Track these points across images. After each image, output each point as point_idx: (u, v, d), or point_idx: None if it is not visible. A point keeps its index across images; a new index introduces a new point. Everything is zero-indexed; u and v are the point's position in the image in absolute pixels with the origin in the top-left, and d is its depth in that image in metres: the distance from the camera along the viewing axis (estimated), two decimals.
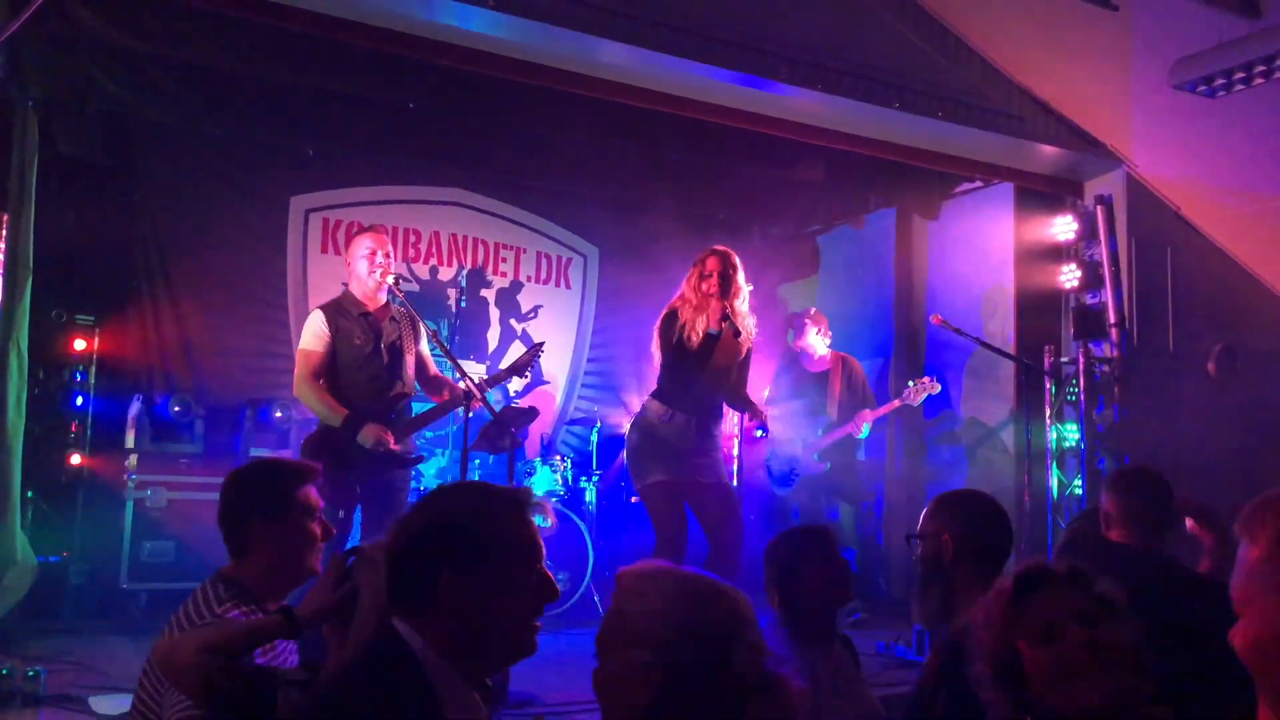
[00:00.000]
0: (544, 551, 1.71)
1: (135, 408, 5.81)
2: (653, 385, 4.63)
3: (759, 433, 4.55)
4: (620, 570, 1.64)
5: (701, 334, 4.34)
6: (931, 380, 6.30)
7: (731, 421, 4.71)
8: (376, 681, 1.54)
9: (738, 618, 1.55)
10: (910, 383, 6.35)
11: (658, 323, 4.55)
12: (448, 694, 1.55)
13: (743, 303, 4.48)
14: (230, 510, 2.34)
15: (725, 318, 4.31)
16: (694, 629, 1.51)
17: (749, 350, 4.61)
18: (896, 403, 6.35)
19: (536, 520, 1.73)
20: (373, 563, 1.92)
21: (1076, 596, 1.67)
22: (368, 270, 4.48)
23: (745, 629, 1.54)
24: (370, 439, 4.24)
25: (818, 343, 6.50)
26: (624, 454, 4.98)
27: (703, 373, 4.39)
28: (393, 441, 4.29)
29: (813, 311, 6.65)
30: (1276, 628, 1.13)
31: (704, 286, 4.39)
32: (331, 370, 4.41)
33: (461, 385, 4.42)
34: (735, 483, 4.89)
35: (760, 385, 6.46)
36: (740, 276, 4.46)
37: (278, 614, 2.03)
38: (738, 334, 4.38)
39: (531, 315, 7.74)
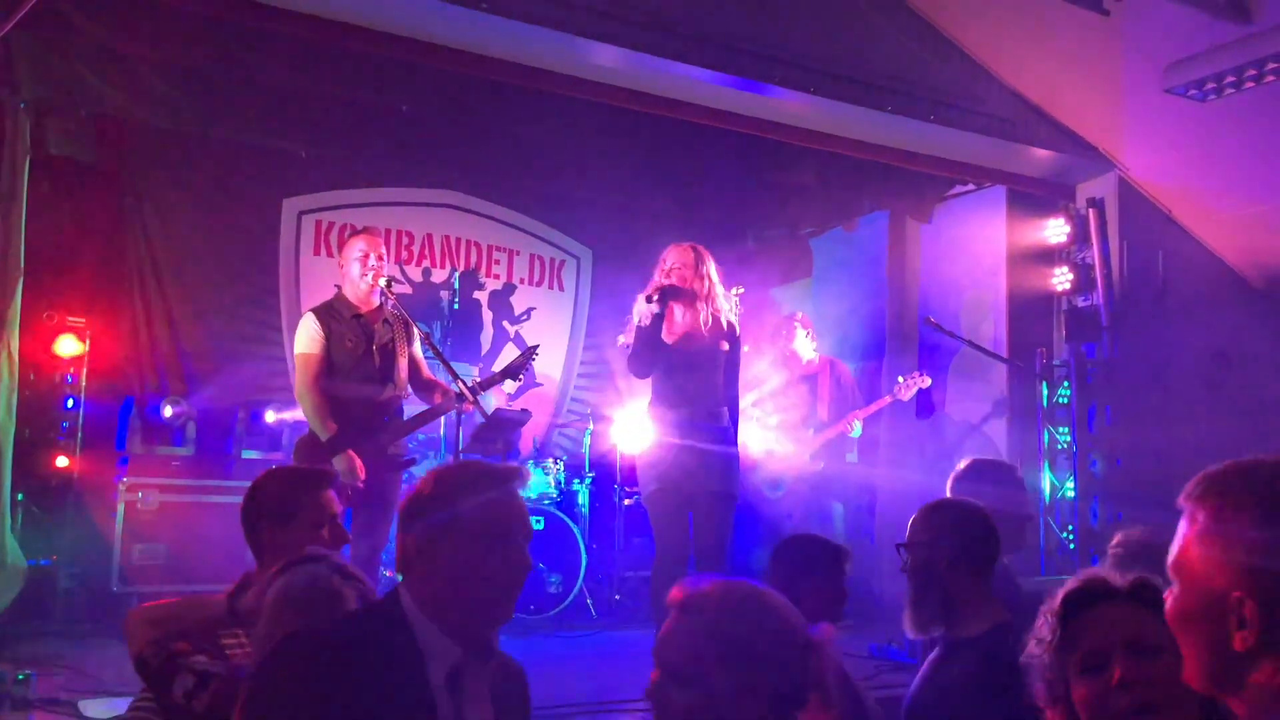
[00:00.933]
0: (522, 527, 1.79)
1: (127, 410, 5.79)
2: (648, 388, 4.62)
3: None
4: (694, 592, 1.58)
5: (649, 308, 4.35)
6: (922, 375, 6.30)
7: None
8: (360, 629, 1.73)
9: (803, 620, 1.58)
10: (900, 378, 6.36)
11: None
12: (431, 646, 1.69)
13: (707, 297, 4.43)
14: (244, 516, 2.47)
15: (661, 290, 4.34)
16: (794, 639, 1.53)
17: (731, 347, 4.52)
18: (888, 398, 6.35)
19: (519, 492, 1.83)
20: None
21: (1131, 619, 1.49)
22: (360, 273, 4.48)
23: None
24: (343, 467, 4.20)
25: (805, 346, 6.51)
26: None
27: (665, 343, 4.36)
28: (362, 479, 4.25)
29: (799, 315, 6.66)
30: (1203, 597, 1.20)
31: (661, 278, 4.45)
32: (324, 372, 4.39)
33: (455, 388, 4.41)
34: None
35: (749, 388, 6.46)
36: (704, 268, 4.44)
37: (227, 599, 2.18)
38: (674, 294, 4.35)
39: (525, 317, 7.73)
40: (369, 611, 1.82)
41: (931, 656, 2.64)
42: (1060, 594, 1.57)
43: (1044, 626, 1.57)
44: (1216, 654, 1.19)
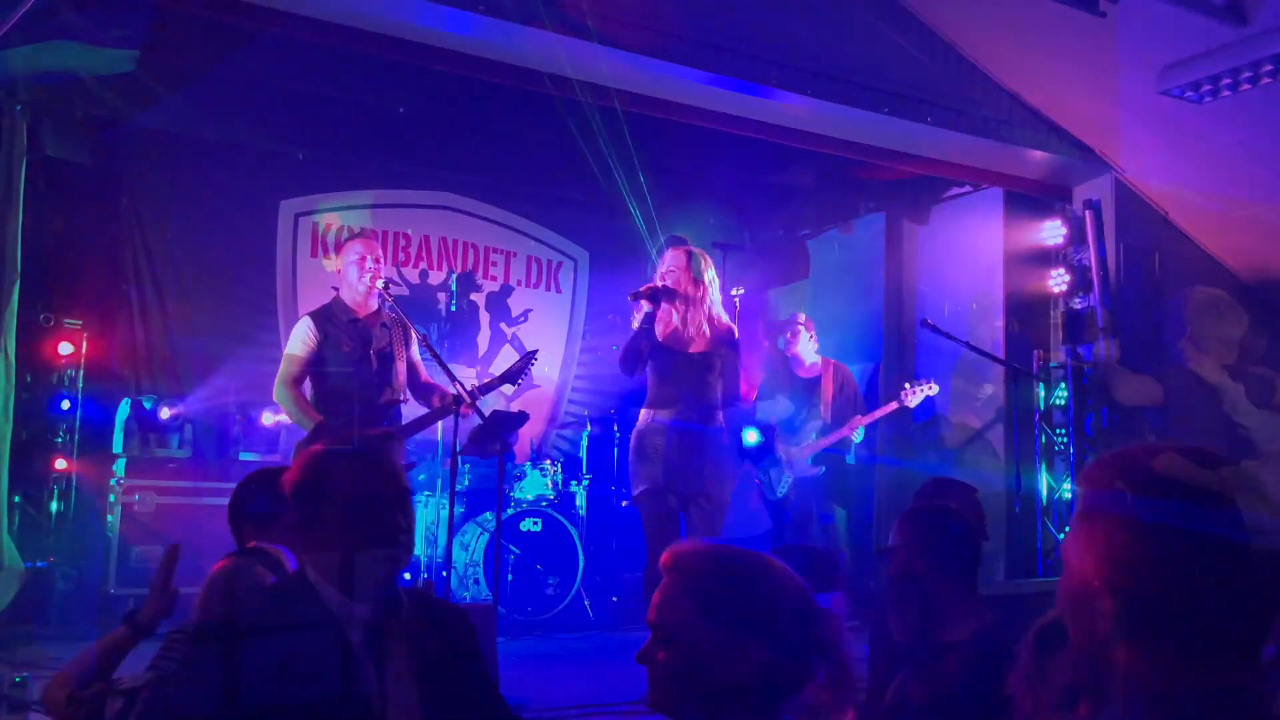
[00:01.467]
0: (387, 492, 1.94)
1: (123, 412, 5.78)
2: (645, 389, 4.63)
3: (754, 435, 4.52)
4: (682, 552, 1.55)
5: (642, 310, 4.41)
6: (929, 382, 6.27)
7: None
8: (275, 608, 1.90)
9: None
10: (907, 384, 6.34)
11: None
12: (343, 611, 1.85)
13: (701, 300, 4.46)
14: (229, 517, 2.52)
15: (651, 291, 4.39)
16: (790, 606, 1.50)
17: (729, 350, 4.53)
18: (894, 404, 6.31)
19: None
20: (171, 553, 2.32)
21: None
22: (358, 276, 4.49)
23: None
24: None
25: (808, 349, 6.50)
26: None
27: (655, 349, 4.39)
28: None
29: (803, 318, 6.64)
30: (1076, 583, 1.20)
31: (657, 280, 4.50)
32: (320, 376, 4.39)
33: (452, 390, 4.41)
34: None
35: (750, 390, 6.47)
36: (699, 271, 4.47)
37: (123, 623, 2.26)
38: (667, 295, 4.39)
39: (522, 319, 7.73)
40: (281, 590, 1.99)
41: (915, 661, 2.63)
42: (1033, 630, 1.56)
43: (1020, 661, 1.56)
44: (1089, 639, 1.19)
